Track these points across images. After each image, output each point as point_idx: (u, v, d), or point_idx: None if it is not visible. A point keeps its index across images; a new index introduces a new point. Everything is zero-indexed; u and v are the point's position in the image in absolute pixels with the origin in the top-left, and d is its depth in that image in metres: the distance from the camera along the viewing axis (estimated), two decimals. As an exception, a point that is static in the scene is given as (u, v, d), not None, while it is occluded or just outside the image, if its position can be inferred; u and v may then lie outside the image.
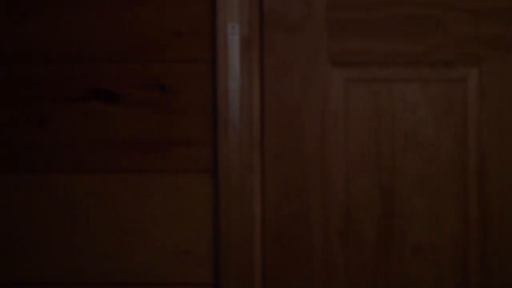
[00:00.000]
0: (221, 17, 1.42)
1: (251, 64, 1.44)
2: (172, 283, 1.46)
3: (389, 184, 1.45)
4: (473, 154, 1.42)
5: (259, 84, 1.45)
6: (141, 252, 1.46)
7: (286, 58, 1.45)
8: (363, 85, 1.44)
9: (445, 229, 1.43)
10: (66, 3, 1.45)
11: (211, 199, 1.45)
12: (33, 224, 1.47)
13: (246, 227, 1.44)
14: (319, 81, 1.44)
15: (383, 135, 1.44)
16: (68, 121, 1.45)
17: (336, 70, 1.44)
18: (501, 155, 1.41)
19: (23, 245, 1.48)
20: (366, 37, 1.43)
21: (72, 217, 1.46)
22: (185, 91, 1.45)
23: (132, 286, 1.46)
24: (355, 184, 1.46)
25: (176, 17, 1.44)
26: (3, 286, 1.48)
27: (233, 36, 1.43)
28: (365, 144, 1.45)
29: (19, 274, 1.48)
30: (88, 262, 1.46)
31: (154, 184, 1.45)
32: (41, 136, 1.45)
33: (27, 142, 1.45)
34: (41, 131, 1.45)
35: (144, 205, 1.45)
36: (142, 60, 1.44)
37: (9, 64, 1.45)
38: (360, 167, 1.45)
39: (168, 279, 1.46)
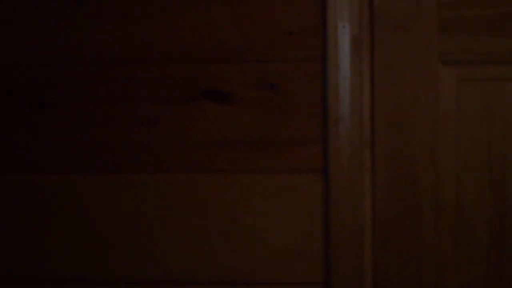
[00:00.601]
0: (332, 17, 1.42)
1: (361, 63, 1.43)
2: (282, 283, 1.45)
3: (501, 184, 1.43)
4: None
5: (369, 83, 1.44)
6: (250, 252, 1.45)
7: (396, 57, 1.44)
8: (474, 84, 1.43)
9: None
10: (173, 3, 1.45)
11: (322, 198, 1.44)
12: (144, 223, 1.48)
13: (357, 227, 1.43)
14: (430, 80, 1.43)
15: (495, 135, 1.43)
16: (177, 122, 1.45)
17: (447, 69, 1.43)
18: None
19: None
20: (477, 35, 1.41)
21: (180, 217, 1.46)
22: (295, 90, 1.44)
23: (241, 285, 1.46)
24: (466, 183, 1.44)
25: (286, 16, 1.44)
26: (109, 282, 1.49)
27: (343, 36, 1.42)
28: (476, 143, 1.43)
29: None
30: (198, 261, 1.46)
31: (263, 184, 1.45)
32: (150, 137, 1.46)
33: (136, 142, 1.46)
34: (150, 132, 1.45)
35: (254, 204, 1.45)
36: (252, 60, 1.44)
37: (121, 65, 1.46)
38: (471, 167, 1.44)
39: (278, 279, 1.45)
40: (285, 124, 1.45)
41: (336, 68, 1.43)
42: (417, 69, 1.44)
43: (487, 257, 1.44)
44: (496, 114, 1.43)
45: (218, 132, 1.46)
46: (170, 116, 1.47)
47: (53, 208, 1.50)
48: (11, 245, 1.50)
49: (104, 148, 1.48)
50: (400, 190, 1.45)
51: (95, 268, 1.49)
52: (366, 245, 1.45)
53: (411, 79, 1.44)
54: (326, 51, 1.43)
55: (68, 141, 1.49)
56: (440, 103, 1.44)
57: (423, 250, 1.45)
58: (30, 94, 1.49)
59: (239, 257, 1.46)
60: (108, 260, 1.49)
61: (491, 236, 1.44)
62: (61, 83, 1.49)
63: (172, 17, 1.46)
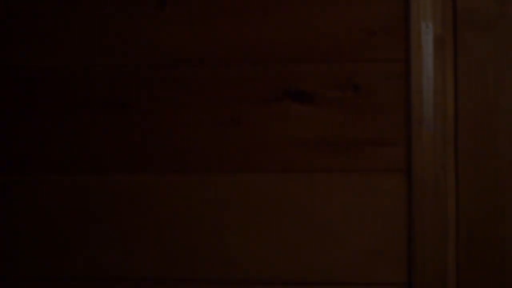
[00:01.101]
0: (415, 16, 1.42)
1: (444, 63, 1.43)
2: (364, 283, 1.45)
3: None
4: None
5: (452, 83, 1.44)
6: (331, 252, 1.45)
7: (480, 57, 1.43)
8: (559, 84, 1.42)
9: None
10: (258, 4, 1.46)
11: (404, 199, 1.44)
12: (223, 223, 1.48)
13: (440, 227, 1.43)
14: (514, 80, 1.42)
15: None
16: (260, 122, 1.46)
17: (532, 68, 1.42)
18: None
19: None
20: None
21: (260, 217, 1.47)
22: (377, 90, 1.44)
23: (323, 285, 1.46)
24: (551, 184, 1.43)
25: (368, 16, 1.44)
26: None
27: (426, 36, 1.42)
28: (561, 143, 1.42)
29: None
30: (278, 261, 1.46)
31: (345, 184, 1.45)
32: (233, 137, 1.46)
33: (219, 143, 1.46)
34: (233, 132, 1.46)
35: (335, 204, 1.45)
36: (335, 59, 1.44)
37: (204, 65, 1.47)
38: (556, 167, 1.43)
39: (360, 279, 1.45)
40: (368, 124, 1.45)
41: (419, 68, 1.43)
42: (501, 69, 1.44)
43: None
44: None
45: (301, 132, 1.46)
46: (253, 116, 1.48)
47: (128, 207, 1.51)
48: (84, 244, 1.52)
49: (186, 148, 1.49)
50: (483, 190, 1.44)
51: (181, 268, 1.50)
52: (450, 246, 1.44)
53: (495, 80, 1.44)
54: (409, 51, 1.43)
55: (148, 141, 1.50)
56: (525, 103, 1.43)
57: (506, 250, 1.43)
58: (113, 94, 1.50)
59: (319, 257, 1.46)
60: (188, 260, 1.50)
61: None
62: (144, 83, 1.50)
63: (256, 17, 1.47)
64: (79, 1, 1.52)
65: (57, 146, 1.54)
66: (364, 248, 1.45)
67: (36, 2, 1.54)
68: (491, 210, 1.44)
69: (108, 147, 1.51)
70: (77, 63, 1.52)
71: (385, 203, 1.45)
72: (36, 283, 1.53)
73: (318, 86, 1.45)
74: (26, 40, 1.54)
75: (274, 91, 1.47)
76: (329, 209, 1.46)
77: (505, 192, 1.43)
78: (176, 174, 1.49)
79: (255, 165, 1.47)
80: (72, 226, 1.52)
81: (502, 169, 1.43)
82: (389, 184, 1.44)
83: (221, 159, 1.48)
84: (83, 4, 1.52)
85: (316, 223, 1.46)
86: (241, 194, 1.47)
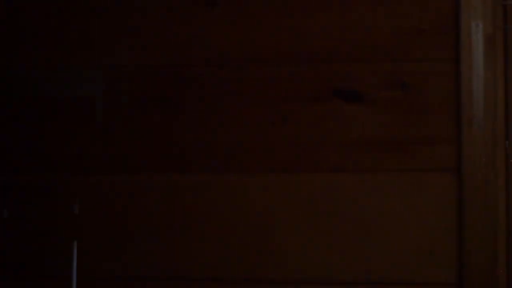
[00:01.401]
0: (465, 15, 1.42)
1: (494, 62, 1.42)
2: (416, 283, 1.44)
3: None
4: None
5: (503, 82, 1.43)
6: (381, 252, 1.45)
7: (530, 56, 1.42)
8: None
9: None
10: (307, 4, 1.46)
11: (455, 198, 1.43)
12: (272, 222, 1.48)
13: (491, 227, 1.42)
14: None
15: None
16: (309, 121, 1.46)
17: None
18: None
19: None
20: None
21: (313, 216, 1.47)
22: (427, 90, 1.44)
23: (374, 285, 1.45)
24: None
25: (418, 16, 1.44)
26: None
27: (476, 34, 1.42)
28: None
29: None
30: (329, 261, 1.46)
31: (394, 183, 1.45)
32: (282, 136, 1.46)
33: (266, 142, 1.47)
34: (282, 131, 1.46)
35: (384, 204, 1.44)
36: (385, 59, 1.45)
37: (253, 64, 1.47)
38: None
39: (410, 279, 1.44)
40: (417, 123, 1.45)
41: (469, 67, 1.42)
42: (552, 67, 1.43)
43: None
44: None
45: (350, 131, 1.46)
46: (302, 115, 1.48)
47: (188, 208, 1.51)
48: (146, 243, 1.52)
49: (233, 148, 1.50)
50: (535, 190, 1.43)
51: (228, 268, 1.50)
52: (500, 246, 1.43)
53: (546, 78, 1.43)
54: (459, 50, 1.43)
55: (199, 141, 1.50)
56: None
57: (559, 251, 1.42)
58: (160, 94, 1.51)
59: (370, 256, 1.45)
60: (239, 260, 1.50)
61: None
62: (190, 83, 1.51)
63: (305, 17, 1.48)
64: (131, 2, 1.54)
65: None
66: (414, 248, 1.45)
67: (93, 8, 1.56)
68: (542, 210, 1.43)
69: (162, 147, 1.52)
70: (129, 63, 1.53)
71: (435, 203, 1.44)
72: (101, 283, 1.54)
73: (368, 85, 1.45)
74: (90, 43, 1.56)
75: (323, 90, 1.47)
76: (378, 209, 1.46)
77: (557, 192, 1.42)
78: (221, 174, 1.50)
79: (304, 164, 1.47)
80: (134, 224, 1.52)
81: (553, 168, 1.42)
82: (439, 183, 1.44)
83: (270, 158, 1.48)
84: (134, 4, 1.53)
85: (365, 223, 1.46)
86: (290, 194, 1.48)
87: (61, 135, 1.54)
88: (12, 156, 1.54)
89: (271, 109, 1.48)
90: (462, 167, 1.41)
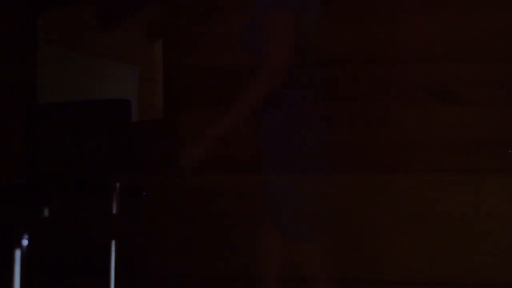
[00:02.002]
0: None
1: None
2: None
3: None
4: None
5: None
6: (479, 252, 1.44)
7: None
8: None
9: None
10: (405, 7, 1.48)
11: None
12: (373, 222, 1.49)
13: None
14: None
15: None
16: (407, 122, 1.47)
17: None
18: None
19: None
20: None
21: (410, 216, 1.47)
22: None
23: (469, 286, 1.43)
24: None
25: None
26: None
27: None
28: None
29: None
30: (427, 262, 1.46)
31: (493, 184, 1.44)
32: (382, 137, 1.48)
33: (367, 142, 1.49)
34: (381, 132, 1.48)
35: (482, 205, 1.44)
36: (482, 60, 1.45)
37: (350, 65, 1.50)
38: None
39: (506, 279, 1.42)
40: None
41: None
42: None
43: None
44: None
45: (448, 132, 1.46)
46: (401, 116, 1.48)
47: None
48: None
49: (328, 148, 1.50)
50: None
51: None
52: None
53: None
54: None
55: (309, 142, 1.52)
56: None
57: None
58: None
59: (467, 258, 1.44)
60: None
61: None
62: (291, 84, 1.51)
63: (404, 19, 1.49)
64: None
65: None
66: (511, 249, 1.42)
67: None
68: None
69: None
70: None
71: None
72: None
73: (465, 86, 1.45)
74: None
75: (421, 91, 1.47)
76: (475, 209, 1.44)
77: None
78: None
79: (402, 164, 1.47)
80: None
81: None
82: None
83: (364, 159, 1.49)
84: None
85: (463, 224, 1.45)
86: (387, 192, 1.48)
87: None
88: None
89: (370, 110, 1.49)
90: None
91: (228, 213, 1.55)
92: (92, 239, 1.47)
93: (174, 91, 1.79)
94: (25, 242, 0.94)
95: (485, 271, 1.42)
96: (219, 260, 1.54)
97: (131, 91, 2.02)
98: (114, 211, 1.21)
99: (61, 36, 2.03)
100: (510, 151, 1.31)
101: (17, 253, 0.94)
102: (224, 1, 1.57)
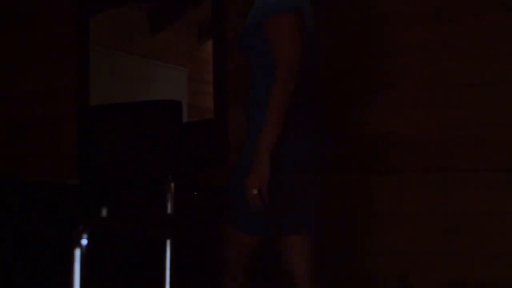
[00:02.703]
0: None
1: None
2: None
3: None
4: None
5: None
6: None
7: None
8: None
9: None
10: None
11: None
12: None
13: None
14: None
15: None
16: None
17: None
18: None
19: None
20: None
21: None
22: None
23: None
24: None
25: None
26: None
27: None
28: None
29: None
30: None
31: None
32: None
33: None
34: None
35: None
36: None
37: None
38: None
39: None
40: None
41: None
42: None
43: None
44: None
45: None
46: None
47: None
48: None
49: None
50: None
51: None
52: None
53: None
54: None
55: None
56: None
57: None
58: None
59: None
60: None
61: None
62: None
63: None
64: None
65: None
66: None
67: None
68: None
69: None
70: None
71: None
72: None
73: None
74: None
75: None
76: None
77: None
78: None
79: None
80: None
81: None
82: None
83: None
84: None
85: None
86: None
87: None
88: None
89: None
90: None
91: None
92: (148, 238, 1.49)
93: (223, 91, 1.80)
94: (84, 241, 0.96)
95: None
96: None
97: (181, 92, 2.03)
98: (169, 210, 1.23)
99: (112, 38, 2.05)
100: None
101: (77, 252, 0.96)
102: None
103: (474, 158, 1.48)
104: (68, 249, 0.95)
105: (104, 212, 0.94)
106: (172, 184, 1.22)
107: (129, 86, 2.06)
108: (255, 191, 1.12)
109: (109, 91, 2.02)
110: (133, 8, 1.99)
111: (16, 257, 1.14)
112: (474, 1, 1.50)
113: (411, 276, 1.53)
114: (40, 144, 2.08)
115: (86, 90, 2.02)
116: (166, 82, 2.08)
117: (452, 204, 1.50)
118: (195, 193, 1.54)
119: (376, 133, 1.57)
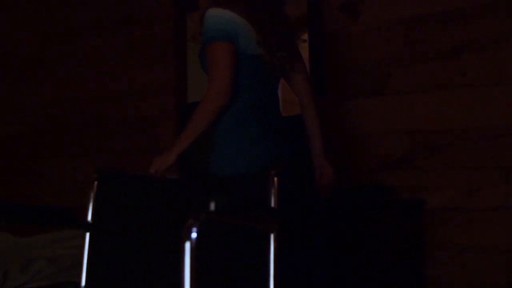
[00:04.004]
0: None
1: None
2: None
3: None
4: None
5: None
6: None
7: None
8: None
9: None
10: None
11: None
12: None
13: None
14: None
15: None
16: None
17: None
18: None
19: None
20: None
21: None
22: None
23: None
24: None
25: None
26: None
27: None
28: None
29: None
30: None
31: None
32: None
33: None
34: None
35: None
36: None
37: None
38: None
39: None
40: None
41: None
42: None
43: None
44: None
45: None
46: None
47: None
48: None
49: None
50: None
51: None
52: None
53: None
54: None
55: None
56: None
57: None
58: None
59: None
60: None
61: None
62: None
63: None
64: None
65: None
66: None
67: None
68: None
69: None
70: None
71: None
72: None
73: None
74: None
75: None
76: None
77: None
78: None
79: None
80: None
81: None
82: None
83: None
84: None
85: None
86: None
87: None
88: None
89: None
90: None
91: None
92: (253, 232, 1.50)
93: (319, 86, 1.80)
94: (194, 235, 0.98)
95: None
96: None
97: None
98: (273, 204, 1.23)
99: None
100: None
101: (187, 246, 0.98)
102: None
103: None
104: (179, 242, 0.97)
105: (213, 207, 0.95)
106: (276, 179, 1.23)
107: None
108: (153, 171, 1.35)
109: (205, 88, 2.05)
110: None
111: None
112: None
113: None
114: (141, 140, 2.13)
115: (185, 88, 2.05)
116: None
117: None
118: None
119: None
